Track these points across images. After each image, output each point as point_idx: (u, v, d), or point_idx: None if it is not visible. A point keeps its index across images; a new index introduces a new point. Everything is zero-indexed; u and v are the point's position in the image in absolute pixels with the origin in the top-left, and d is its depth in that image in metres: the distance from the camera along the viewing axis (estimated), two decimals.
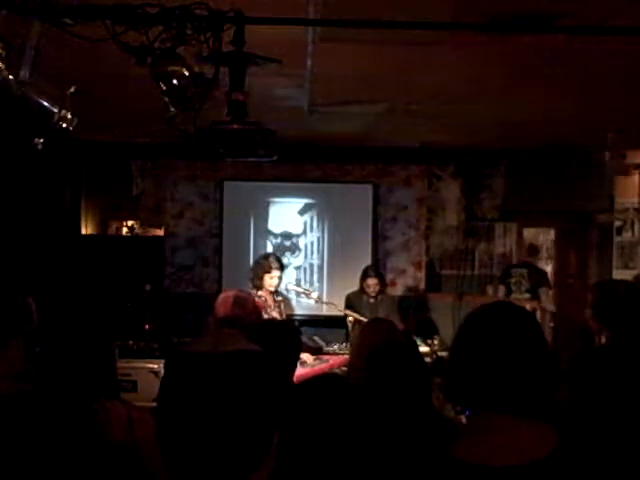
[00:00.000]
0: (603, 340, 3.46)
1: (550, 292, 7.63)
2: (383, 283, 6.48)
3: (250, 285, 5.83)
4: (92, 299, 6.92)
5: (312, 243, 7.80)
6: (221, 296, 3.30)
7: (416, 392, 2.63)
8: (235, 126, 2.98)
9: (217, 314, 3.22)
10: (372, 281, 6.32)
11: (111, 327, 2.59)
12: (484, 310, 1.63)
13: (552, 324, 6.94)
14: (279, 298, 5.87)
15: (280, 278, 5.82)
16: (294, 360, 3.30)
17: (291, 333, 3.43)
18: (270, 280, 5.68)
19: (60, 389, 2.21)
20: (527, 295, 7.21)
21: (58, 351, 2.31)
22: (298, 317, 7.16)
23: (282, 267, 5.87)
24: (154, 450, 2.22)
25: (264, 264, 5.72)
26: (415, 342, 3.12)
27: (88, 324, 2.46)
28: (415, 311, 7.36)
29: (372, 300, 6.34)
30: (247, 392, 1.17)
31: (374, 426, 2.53)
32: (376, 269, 6.59)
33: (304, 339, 5.89)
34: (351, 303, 6.33)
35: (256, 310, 3.29)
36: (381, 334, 2.95)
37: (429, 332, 6.50)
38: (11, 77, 2.64)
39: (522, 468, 1.45)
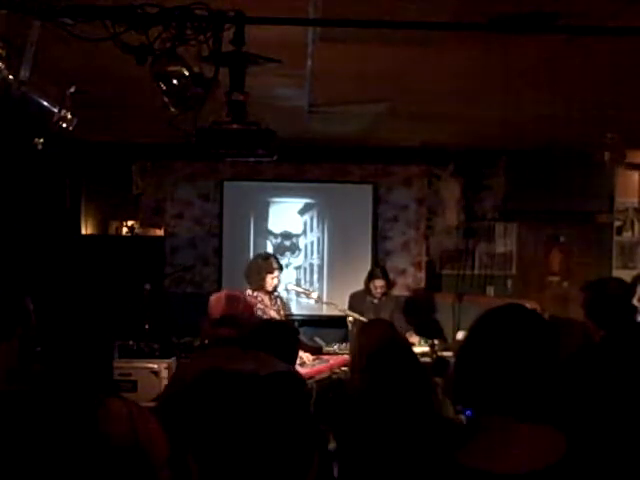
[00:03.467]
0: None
1: None
2: (389, 285, 6.49)
3: (247, 285, 5.83)
4: (92, 299, 6.92)
5: (312, 243, 7.79)
6: (213, 298, 3.32)
7: (418, 394, 2.63)
8: (235, 126, 2.98)
9: (212, 315, 3.23)
10: (380, 283, 6.32)
11: (110, 325, 2.60)
12: (495, 312, 1.61)
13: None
14: (275, 294, 5.89)
15: (279, 279, 5.89)
16: (293, 360, 3.31)
17: (289, 333, 3.44)
18: (272, 280, 5.73)
19: (60, 386, 2.21)
20: None
21: (58, 349, 2.31)
22: (298, 317, 7.15)
23: (281, 268, 5.94)
24: (155, 446, 2.22)
25: (266, 264, 5.76)
26: (409, 345, 3.13)
27: (87, 322, 2.46)
28: (416, 311, 7.35)
29: (376, 301, 6.34)
30: (293, 412, 1.18)
31: (378, 429, 2.53)
32: (384, 271, 6.58)
33: (304, 339, 5.90)
34: (354, 303, 6.32)
35: (247, 309, 3.29)
36: (380, 335, 2.95)
37: (430, 332, 6.50)
38: (11, 77, 2.64)
39: (534, 474, 1.43)
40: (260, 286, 5.70)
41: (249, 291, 5.70)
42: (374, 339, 2.90)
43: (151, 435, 2.23)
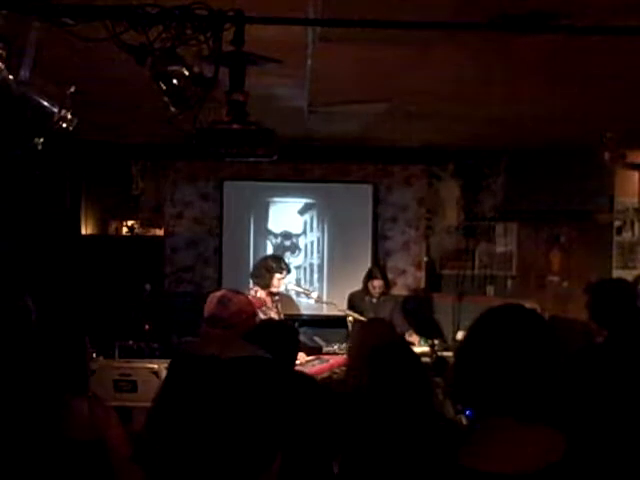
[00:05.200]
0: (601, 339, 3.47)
1: None
2: (387, 284, 6.50)
3: (251, 283, 5.87)
4: (92, 299, 6.92)
5: (312, 243, 7.80)
6: (210, 296, 3.31)
7: (419, 394, 2.62)
8: (235, 126, 2.98)
9: (204, 314, 3.23)
10: (378, 283, 6.34)
11: (84, 323, 2.62)
12: (495, 312, 1.61)
13: None
14: (276, 298, 5.92)
15: (284, 281, 5.99)
16: (292, 360, 3.30)
17: (289, 333, 3.43)
18: (278, 282, 5.77)
19: (25, 387, 2.21)
20: None
21: (35, 347, 2.32)
22: (298, 317, 7.16)
23: (289, 270, 6.06)
24: (117, 445, 2.23)
25: (277, 264, 5.81)
26: (408, 344, 3.13)
27: (59, 321, 2.47)
28: (416, 311, 7.36)
29: (375, 300, 6.35)
30: (251, 399, 1.13)
31: (378, 429, 2.52)
32: (382, 271, 6.60)
33: (304, 339, 5.91)
34: (354, 303, 6.34)
35: (241, 311, 3.24)
36: (379, 334, 2.95)
37: (430, 332, 6.50)
38: (11, 77, 2.64)
39: (537, 474, 1.43)
40: (266, 285, 5.74)
41: (252, 291, 5.72)
42: (373, 338, 2.89)
43: (111, 434, 2.24)
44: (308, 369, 5.13)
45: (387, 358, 2.69)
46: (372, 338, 2.92)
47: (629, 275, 6.64)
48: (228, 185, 7.65)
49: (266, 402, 1.15)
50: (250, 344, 1.25)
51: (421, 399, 2.60)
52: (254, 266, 6.19)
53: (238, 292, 3.42)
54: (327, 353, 5.93)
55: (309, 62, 3.80)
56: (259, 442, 1.12)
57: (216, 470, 1.10)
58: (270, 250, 7.59)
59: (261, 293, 5.73)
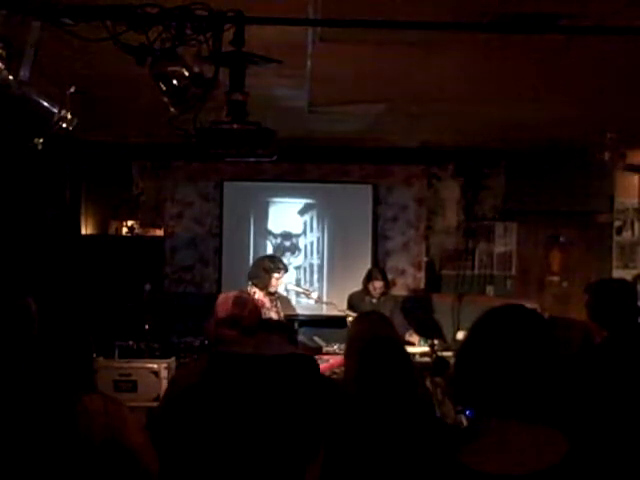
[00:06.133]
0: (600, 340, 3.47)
1: None
2: (388, 285, 6.50)
3: (249, 284, 5.86)
4: (92, 299, 6.92)
5: (312, 243, 7.80)
6: (221, 297, 3.31)
7: (404, 391, 2.61)
8: (235, 126, 2.98)
9: (217, 314, 3.23)
10: (378, 284, 6.33)
11: (89, 322, 2.63)
12: (495, 312, 1.60)
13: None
14: (275, 297, 5.93)
15: (282, 280, 6.01)
16: None
17: (288, 333, 3.43)
18: (276, 281, 5.79)
19: (39, 384, 2.22)
20: None
21: (38, 347, 2.34)
22: (298, 317, 7.15)
23: (286, 269, 6.05)
24: (133, 441, 2.24)
25: (274, 265, 5.81)
26: (399, 340, 3.10)
27: (66, 320, 2.48)
28: (416, 311, 7.35)
29: (375, 300, 6.35)
30: (295, 396, 1.15)
31: (367, 426, 2.52)
32: (382, 272, 6.59)
33: (304, 339, 5.91)
34: (353, 303, 6.34)
35: (256, 311, 3.28)
36: (374, 328, 2.93)
37: (430, 332, 6.50)
38: (11, 77, 2.64)
39: (537, 475, 1.42)
40: (265, 286, 5.75)
41: (252, 291, 5.72)
42: (367, 331, 2.88)
43: (126, 430, 2.25)
44: None
45: (375, 352, 2.68)
46: (366, 331, 2.90)
47: (629, 275, 6.65)
48: (228, 185, 7.65)
49: (313, 397, 1.17)
50: (288, 342, 1.27)
51: (407, 396, 2.59)
52: (251, 268, 6.16)
53: (247, 293, 3.45)
54: (327, 353, 5.93)
55: (309, 62, 3.80)
56: (307, 434, 1.14)
57: (265, 462, 1.12)
58: (270, 250, 7.59)
59: (259, 294, 5.73)
